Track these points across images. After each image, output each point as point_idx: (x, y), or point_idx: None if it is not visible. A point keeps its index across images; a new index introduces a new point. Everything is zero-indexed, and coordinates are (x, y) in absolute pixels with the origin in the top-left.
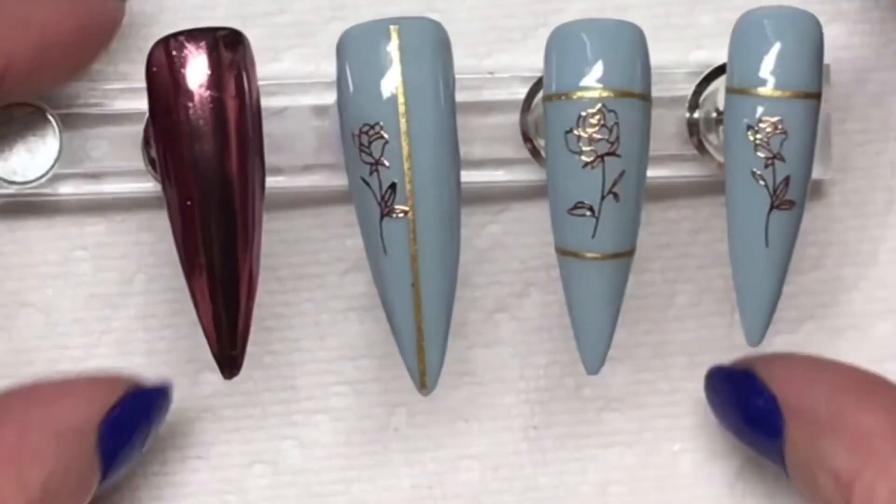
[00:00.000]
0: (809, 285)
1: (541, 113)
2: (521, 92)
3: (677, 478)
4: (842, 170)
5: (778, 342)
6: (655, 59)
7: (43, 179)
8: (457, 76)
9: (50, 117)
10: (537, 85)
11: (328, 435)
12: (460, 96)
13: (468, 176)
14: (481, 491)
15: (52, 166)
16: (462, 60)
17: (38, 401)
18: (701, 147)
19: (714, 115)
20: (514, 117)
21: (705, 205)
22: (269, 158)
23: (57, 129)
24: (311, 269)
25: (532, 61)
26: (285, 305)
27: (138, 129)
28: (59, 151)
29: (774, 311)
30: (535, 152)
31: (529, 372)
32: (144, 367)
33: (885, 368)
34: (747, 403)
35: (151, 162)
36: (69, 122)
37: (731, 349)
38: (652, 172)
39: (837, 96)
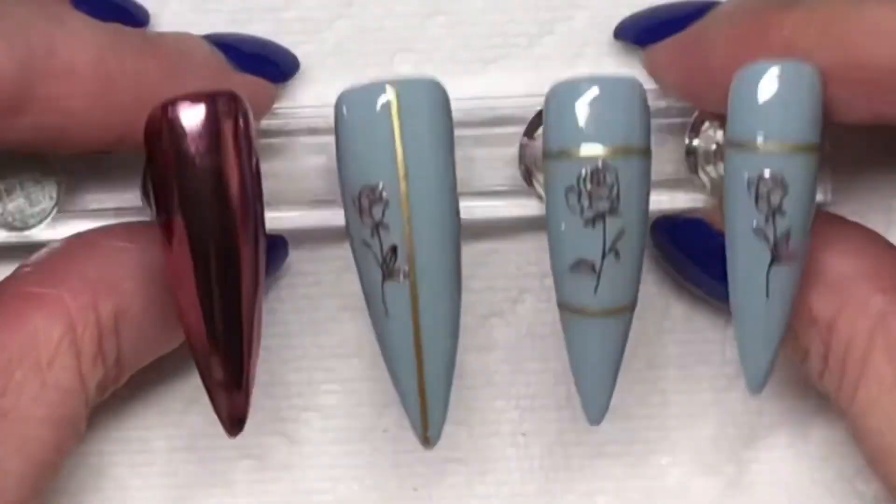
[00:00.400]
0: None
1: (539, 147)
2: (522, 123)
3: (664, 490)
4: (841, 191)
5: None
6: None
7: (42, 225)
8: (458, 105)
9: (50, 163)
10: (537, 117)
11: (316, 433)
12: (461, 130)
13: (467, 209)
14: (467, 495)
15: (51, 212)
16: (467, 66)
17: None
18: (695, 171)
19: (714, 147)
20: (514, 148)
21: None
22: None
23: (55, 177)
24: (307, 266)
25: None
26: (279, 301)
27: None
28: (57, 198)
29: (776, 360)
30: (529, 181)
31: (521, 378)
32: None
33: None
34: (696, 247)
35: (150, 204)
36: (69, 167)
37: (724, 363)
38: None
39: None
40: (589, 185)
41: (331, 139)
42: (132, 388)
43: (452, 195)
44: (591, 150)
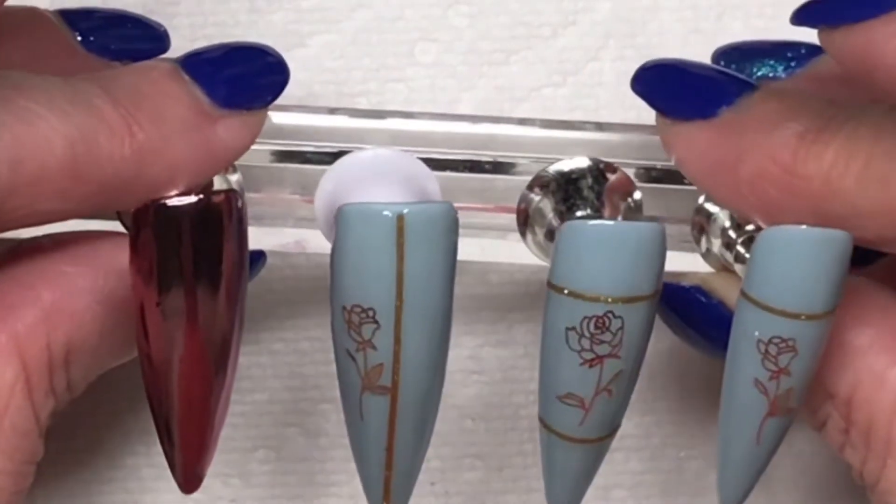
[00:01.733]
0: None
1: (541, 203)
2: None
3: (681, 484)
4: None
5: None
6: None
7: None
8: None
9: None
10: (545, 170)
11: (333, 425)
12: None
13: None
14: (484, 490)
15: None
16: (489, 56)
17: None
18: (699, 232)
19: (727, 224)
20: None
21: None
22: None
23: None
24: (325, 259)
25: (557, 66)
26: (298, 292)
27: None
28: None
29: (750, 491)
30: (525, 229)
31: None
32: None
33: None
34: (692, 314)
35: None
36: None
37: None
38: None
39: None
40: (592, 330)
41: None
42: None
43: (446, 322)
44: (600, 296)
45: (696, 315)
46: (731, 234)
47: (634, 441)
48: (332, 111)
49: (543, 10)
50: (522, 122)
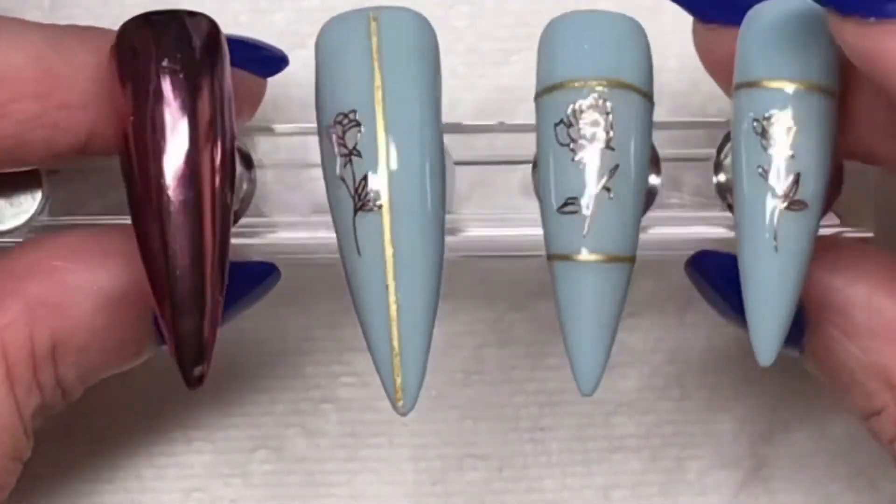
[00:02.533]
0: None
1: None
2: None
3: (681, 485)
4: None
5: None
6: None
7: (23, 229)
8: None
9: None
10: None
11: (334, 425)
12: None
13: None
14: (485, 491)
15: (33, 216)
16: (490, 56)
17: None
18: (729, 208)
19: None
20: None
21: None
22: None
23: (43, 178)
24: (328, 259)
25: None
26: (300, 291)
27: None
28: (44, 202)
29: (788, 327)
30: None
31: (540, 374)
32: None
33: None
34: (727, 282)
35: None
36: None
37: (745, 358)
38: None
39: None
40: (581, 116)
41: None
42: (149, 378)
43: (435, 123)
44: (585, 81)
45: (730, 283)
46: None
47: (635, 441)
48: None
49: (544, 11)
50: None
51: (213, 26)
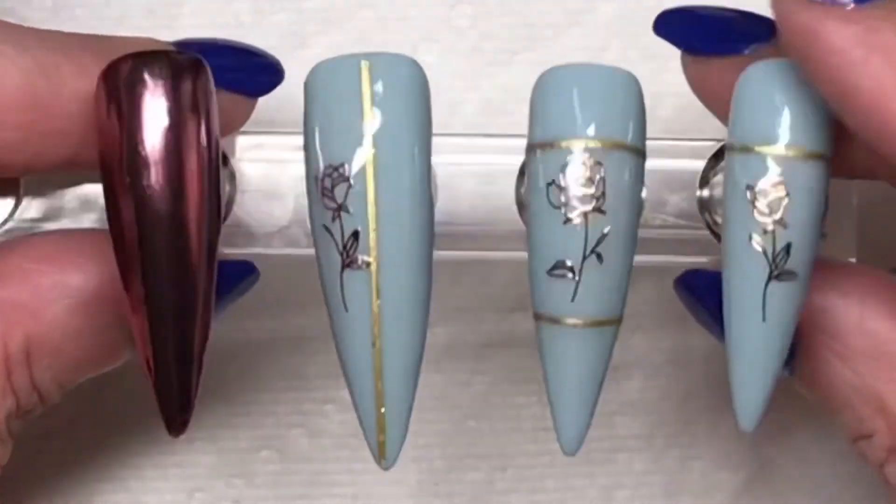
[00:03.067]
0: None
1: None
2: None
3: (684, 485)
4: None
5: None
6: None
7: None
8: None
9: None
10: None
11: (337, 425)
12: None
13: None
14: (487, 491)
15: (8, 218)
16: (492, 56)
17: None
18: (712, 225)
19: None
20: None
21: None
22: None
23: (19, 181)
24: None
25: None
26: (301, 292)
27: None
28: (17, 202)
29: (772, 393)
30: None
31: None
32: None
33: None
34: (713, 299)
35: None
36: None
37: None
38: (661, 258)
39: None
40: (572, 179)
41: None
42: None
43: (424, 180)
44: (578, 141)
45: (714, 298)
46: None
47: (637, 442)
48: None
49: (547, 11)
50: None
51: (200, 67)
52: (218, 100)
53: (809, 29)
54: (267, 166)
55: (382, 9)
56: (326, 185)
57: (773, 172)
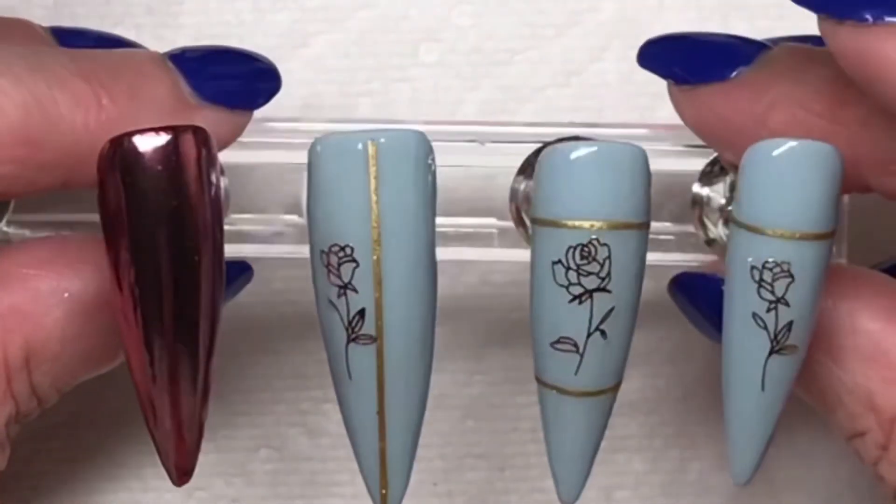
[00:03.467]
0: None
1: (530, 186)
2: (517, 162)
3: (683, 485)
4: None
5: None
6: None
7: None
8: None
9: None
10: (534, 154)
11: (336, 424)
12: (455, 159)
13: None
14: (487, 491)
15: (4, 216)
16: (492, 56)
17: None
18: (699, 222)
19: (724, 202)
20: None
21: None
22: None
23: None
24: None
25: (561, 67)
26: (301, 293)
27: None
28: (11, 205)
29: (766, 452)
30: (520, 222)
31: None
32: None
33: None
34: (712, 305)
35: None
36: None
37: None
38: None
39: None
40: (578, 260)
41: None
42: None
43: (429, 259)
44: (583, 222)
45: (708, 300)
46: (729, 209)
47: (636, 442)
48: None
49: (548, 11)
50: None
51: (204, 139)
52: (205, 120)
53: (867, 57)
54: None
55: (384, 8)
56: (332, 262)
57: (780, 255)
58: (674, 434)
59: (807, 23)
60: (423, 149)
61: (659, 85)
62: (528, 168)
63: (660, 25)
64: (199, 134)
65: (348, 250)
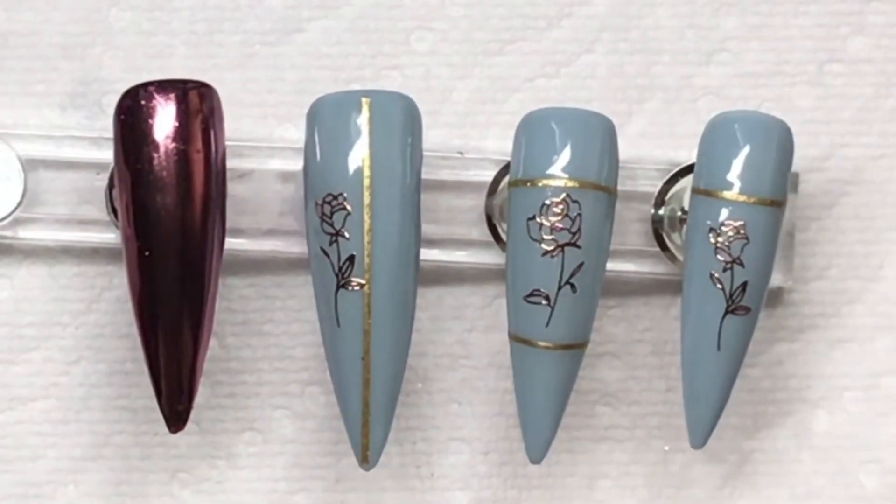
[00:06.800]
0: (812, 295)
1: (506, 197)
2: (490, 174)
3: (666, 476)
4: (853, 183)
5: (777, 350)
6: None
7: (4, 222)
8: (428, 153)
9: (16, 160)
10: (505, 168)
11: (321, 407)
12: (430, 174)
13: (430, 254)
14: (469, 474)
15: (14, 210)
16: (485, 46)
17: None
18: (663, 245)
19: (679, 213)
20: (481, 198)
21: None
22: (232, 220)
23: (22, 174)
24: None
25: (551, 58)
26: (287, 275)
27: (103, 177)
28: (23, 195)
29: (720, 415)
30: (496, 236)
31: None
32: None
33: (883, 383)
34: None
35: (114, 211)
36: (34, 167)
37: None
38: (612, 265)
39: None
40: (551, 216)
41: None
42: (136, 360)
43: (415, 210)
44: (558, 180)
45: None
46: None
47: (619, 432)
48: None
49: (539, 2)
50: None
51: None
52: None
53: None
54: None
55: None
56: (326, 211)
57: (734, 217)
58: (657, 426)
59: (798, 20)
60: (412, 108)
61: (648, 77)
62: (496, 187)
63: (650, 19)
64: (204, 87)
65: (341, 199)
